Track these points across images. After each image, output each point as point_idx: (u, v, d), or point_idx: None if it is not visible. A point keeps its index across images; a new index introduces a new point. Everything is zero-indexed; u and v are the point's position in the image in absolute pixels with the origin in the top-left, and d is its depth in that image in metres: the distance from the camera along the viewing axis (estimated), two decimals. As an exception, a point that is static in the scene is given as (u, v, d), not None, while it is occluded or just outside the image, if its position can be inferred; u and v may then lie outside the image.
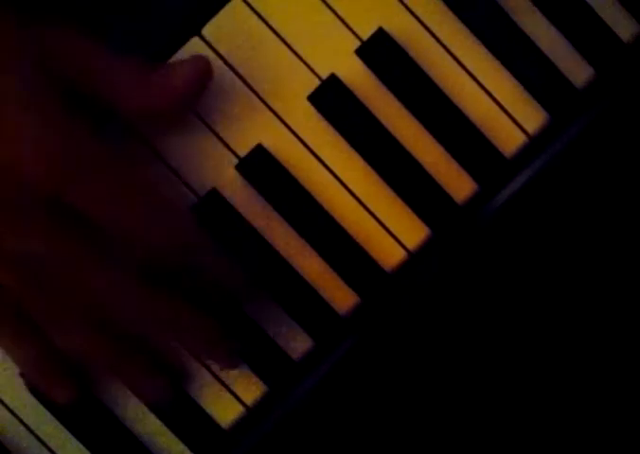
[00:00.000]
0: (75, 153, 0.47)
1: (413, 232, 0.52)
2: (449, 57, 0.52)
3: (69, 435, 0.52)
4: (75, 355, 0.51)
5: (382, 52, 0.51)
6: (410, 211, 0.52)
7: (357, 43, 0.52)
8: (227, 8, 0.52)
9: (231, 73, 0.52)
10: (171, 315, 0.50)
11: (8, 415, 0.52)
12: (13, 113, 0.47)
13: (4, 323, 0.50)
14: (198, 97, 0.51)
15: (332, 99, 0.52)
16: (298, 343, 0.52)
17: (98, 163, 0.47)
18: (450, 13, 0.52)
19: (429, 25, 0.52)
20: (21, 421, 0.52)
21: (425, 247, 0.52)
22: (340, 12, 0.52)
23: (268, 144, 0.52)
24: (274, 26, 0.52)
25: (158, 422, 0.52)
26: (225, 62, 0.52)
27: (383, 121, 0.52)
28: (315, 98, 0.52)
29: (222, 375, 0.52)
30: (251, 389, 0.52)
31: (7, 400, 0.52)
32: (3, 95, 0.47)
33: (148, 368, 0.51)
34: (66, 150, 0.47)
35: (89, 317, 0.49)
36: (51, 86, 0.48)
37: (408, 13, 0.52)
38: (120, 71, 0.49)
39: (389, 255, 0.52)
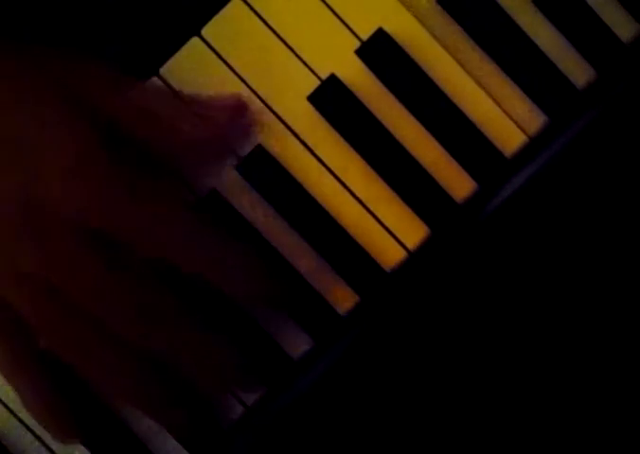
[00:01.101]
0: (107, 183, 0.48)
1: (413, 232, 0.52)
2: (449, 57, 0.52)
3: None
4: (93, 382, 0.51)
5: (381, 52, 0.51)
6: (410, 211, 0.52)
7: (357, 44, 0.52)
8: (227, 8, 0.52)
9: (231, 73, 0.52)
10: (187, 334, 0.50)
11: (8, 415, 0.52)
12: (47, 145, 0.47)
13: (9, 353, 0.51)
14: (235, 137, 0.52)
15: (332, 99, 0.52)
16: (298, 343, 0.52)
17: (130, 191, 0.48)
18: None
19: (429, 25, 0.52)
20: (21, 421, 0.52)
21: (425, 247, 0.52)
22: (340, 12, 0.52)
23: (268, 144, 0.52)
24: (273, 26, 0.52)
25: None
26: (225, 63, 0.52)
27: (383, 121, 0.52)
28: (315, 98, 0.52)
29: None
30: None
31: (7, 400, 0.52)
32: (40, 130, 0.48)
33: (169, 398, 0.51)
34: (104, 182, 0.47)
35: (116, 344, 0.49)
36: (86, 121, 0.48)
37: (408, 13, 0.52)
38: (161, 109, 0.50)
39: (389, 255, 0.52)
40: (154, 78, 0.52)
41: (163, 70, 0.52)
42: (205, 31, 0.52)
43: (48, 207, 0.47)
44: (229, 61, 0.52)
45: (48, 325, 0.49)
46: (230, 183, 0.52)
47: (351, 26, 0.52)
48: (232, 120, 0.51)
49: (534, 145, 0.52)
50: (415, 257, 0.52)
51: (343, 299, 0.52)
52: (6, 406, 0.52)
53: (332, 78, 0.51)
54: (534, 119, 0.52)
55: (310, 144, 0.52)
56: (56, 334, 0.49)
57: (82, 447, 0.52)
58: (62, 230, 0.47)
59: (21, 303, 0.49)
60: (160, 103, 0.50)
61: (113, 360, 0.49)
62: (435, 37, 0.52)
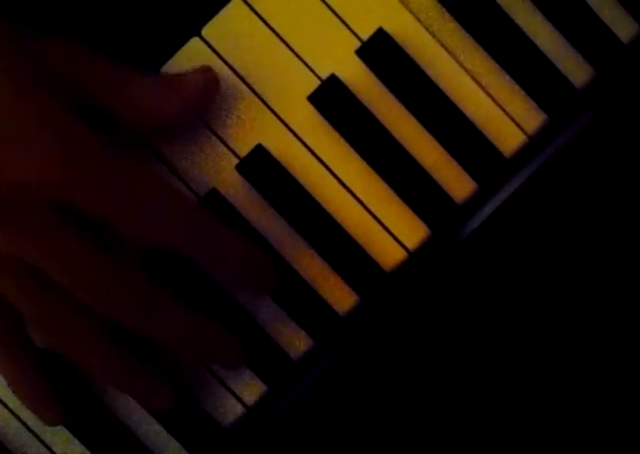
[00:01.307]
0: (80, 156, 0.47)
1: (413, 232, 0.52)
2: (449, 57, 0.52)
3: (69, 435, 0.52)
4: (77, 363, 0.51)
5: (382, 52, 0.51)
6: (410, 211, 0.52)
7: (357, 44, 0.52)
8: (227, 8, 0.52)
9: (231, 73, 0.52)
10: (178, 318, 0.49)
11: (9, 415, 0.52)
12: (16, 120, 0.47)
13: None
14: (205, 108, 0.52)
15: (332, 100, 0.52)
16: (298, 343, 0.52)
17: (103, 163, 0.47)
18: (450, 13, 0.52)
19: (429, 25, 0.52)
20: (21, 421, 0.52)
21: (425, 247, 0.52)
22: (340, 12, 0.52)
23: (268, 144, 0.52)
24: (274, 26, 0.52)
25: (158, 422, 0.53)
26: (225, 63, 0.52)
27: (383, 121, 0.52)
28: (315, 99, 0.52)
29: (222, 374, 0.52)
30: (251, 389, 0.52)
31: (7, 400, 0.52)
32: (9, 106, 0.47)
33: (153, 379, 0.51)
34: (70, 153, 0.47)
35: (92, 324, 0.49)
36: (55, 95, 0.48)
37: (408, 13, 0.52)
38: (130, 83, 0.50)
39: (389, 255, 0.52)
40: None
41: (163, 70, 0.52)
42: (205, 31, 0.52)
43: (27, 189, 0.46)
44: (229, 61, 0.52)
45: (37, 312, 0.49)
46: (230, 182, 0.52)
47: (351, 26, 0.52)
48: (201, 93, 0.51)
49: (533, 144, 0.52)
50: (415, 257, 0.52)
51: (343, 299, 0.52)
52: (6, 406, 0.52)
53: (332, 78, 0.51)
54: (533, 119, 0.52)
55: (310, 144, 0.52)
56: (45, 321, 0.49)
57: (83, 447, 0.52)
58: (43, 212, 0.47)
59: (9, 290, 0.48)
60: (136, 84, 0.50)
61: (98, 343, 0.49)
62: (435, 37, 0.52)
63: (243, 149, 0.52)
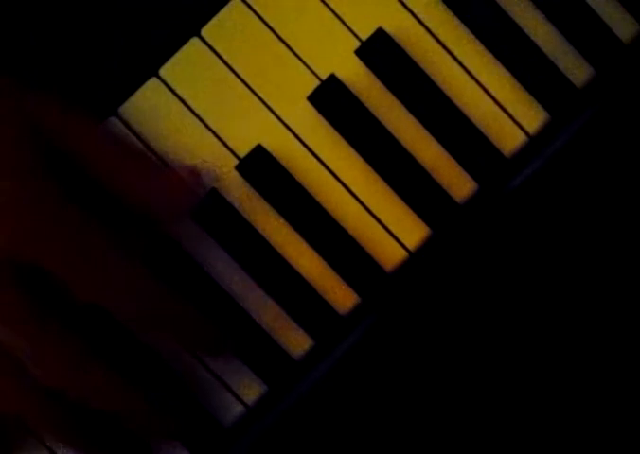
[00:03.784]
0: (44, 216, 0.47)
1: (413, 232, 0.52)
2: (449, 56, 0.52)
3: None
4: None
5: (381, 52, 0.51)
6: (410, 211, 0.52)
7: (357, 43, 0.52)
8: (227, 8, 0.52)
9: (231, 73, 0.52)
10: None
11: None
12: None
13: None
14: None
15: (332, 99, 0.52)
16: (299, 343, 0.52)
17: (67, 224, 0.47)
18: (450, 13, 0.52)
19: (429, 24, 0.52)
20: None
21: (425, 247, 0.52)
22: (340, 12, 0.52)
23: (268, 144, 0.52)
24: (273, 26, 0.52)
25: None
26: (225, 63, 0.52)
27: (383, 121, 0.52)
28: (315, 98, 0.52)
29: (223, 374, 0.52)
30: (251, 389, 0.52)
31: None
32: None
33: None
34: (34, 213, 0.47)
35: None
36: (31, 151, 0.47)
37: (408, 13, 0.52)
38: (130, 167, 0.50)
39: (389, 255, 0.52)
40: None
41: (162, 70, 0.52)
42: (205, 31, 0.52)
43: None
44: (229, 61, 0.52)
45: None
46: (230, 183, 0.52)
47: (351, 26, 0.52)
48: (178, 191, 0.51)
49: (534, 144, 0.52)
50: (415, 257, 0.52)
51: (343, 299, 0.52)
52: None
53: (332, 78, 0.52)
54: (534, 118, 0.52)
55: (309, 144, 0.52)
56: None
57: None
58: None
59: None
60: (113, 146, 0.50)
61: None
62: (434, 37, 0.52)
63: (243, 149, 0.52)
